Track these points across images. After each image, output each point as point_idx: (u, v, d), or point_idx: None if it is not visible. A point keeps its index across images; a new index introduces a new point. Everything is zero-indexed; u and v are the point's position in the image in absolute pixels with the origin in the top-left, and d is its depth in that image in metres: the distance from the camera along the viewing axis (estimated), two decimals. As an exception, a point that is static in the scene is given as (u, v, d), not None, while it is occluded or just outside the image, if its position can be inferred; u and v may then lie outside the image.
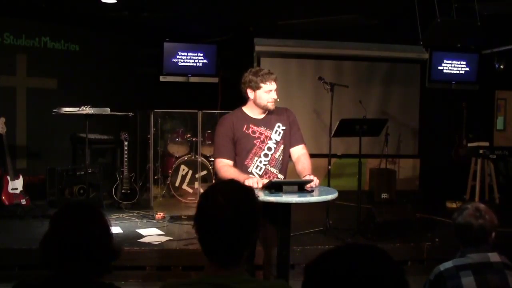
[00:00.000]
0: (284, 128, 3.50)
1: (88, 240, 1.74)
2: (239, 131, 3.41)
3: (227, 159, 3.39)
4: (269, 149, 3.45)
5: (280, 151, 3.48)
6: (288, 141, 3.52)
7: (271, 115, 3.50)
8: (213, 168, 3.47)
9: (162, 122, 7.74)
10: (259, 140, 3.43)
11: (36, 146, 7.03)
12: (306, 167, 3.43)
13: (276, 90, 3.44)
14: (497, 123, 9.15)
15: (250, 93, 3.43)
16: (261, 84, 3.39)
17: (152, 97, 7.85)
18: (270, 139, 3.45)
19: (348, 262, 1.13)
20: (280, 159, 3.49)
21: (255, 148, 3.42)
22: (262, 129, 3.45)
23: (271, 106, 3.43)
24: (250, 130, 3.43)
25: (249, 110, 3.49)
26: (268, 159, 3.44)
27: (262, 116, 3.49)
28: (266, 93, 3.40)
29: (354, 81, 8.20)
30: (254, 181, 3.17)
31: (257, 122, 3.46)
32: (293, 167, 3.57)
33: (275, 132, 3.47)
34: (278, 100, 3.48)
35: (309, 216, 5.70)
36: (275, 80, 3.42)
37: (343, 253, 1.16)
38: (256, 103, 3.44)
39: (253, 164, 3.43)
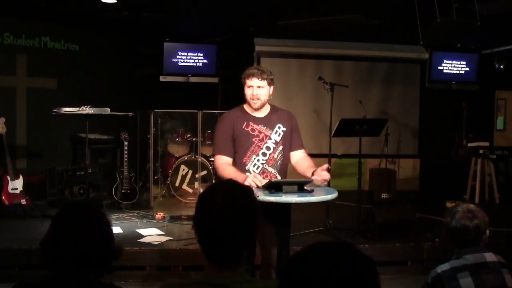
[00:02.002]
0: (284, 129, 3.49)
1: (89, 240, 1.74)
2: (239, 128, 3.42)
3: (227, 156, 3.40)
4: (268, 148, 3.44)
5: (278, 151, 3.47)
6: (288, 143, 3.51)
7: (273, 115, 3.50)
8: (213, 167, 3.50)
9: (162, 122, 7.73)
10: (257, 139, 3.42)
11: (36, 146, 7.03)
12: (311, 165, 3.43)
13: (259, 87, 3.39)
14: (497, 123, 9.15)
15: (244, 90, 3.48)
16: (246, 80, 3.42)
17: (152, 97, 7.85)
18: (270, 138, 3.45)
19: (320, 259, 1.15)
20: (278, 159, 3.48)
21: (253, 146, 3.42)
22: (261, 127, 3.44)
23: (253, 103, 3.42)
24: (249, 128, 3.43)
25: (248, 107, 3.50)
26: (266, 158, 3.43)
27: (264, 114, 3.49)
28: (248, 89, 3.41)
29: (354, 81, 8.20)
30: (255, 179, 3.16)
31: (257, 121, 3.46)
32: (293, 168, 3.58)
33: (275, 133, 3.47)
34: (268, 98, 3.44)
35: (309, 216, 5.69)
36: (257, 76, 3.38)
37: (315, 251, 1.19)
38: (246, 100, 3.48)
39: (250, 162, 3.42)
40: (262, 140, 3.43)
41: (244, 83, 3.43)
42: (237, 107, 3.55)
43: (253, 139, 3.41)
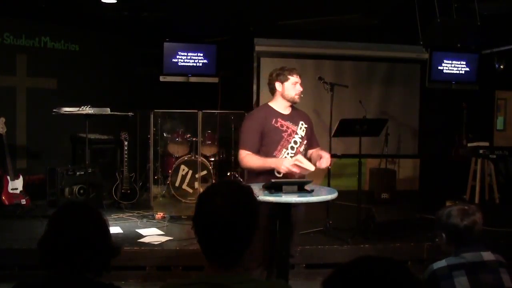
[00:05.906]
0: (306, 126, 3.73)
1: (85, 240, 1.74)
2: (269, 124, 3.60)
3: (251, 151, 3.55)
4: (295, 142, 3.65)
5: (304, 145, 3.69)
6: (309, 140, 3.76)
7: (295, 112, 3.73)
8: (238, 161, 3.69)
9: (162, 122, 7.74)
10: (286, 133, 3.63)
11: (36, 146, 7.02)
12: (316, 150, 3.79)
13: (301, 85, 3.68)
14: (497, 123, 9.15)
15: (278, 86, 3.65)
16: (289, 76, 3.64)
17: (152, 97, 7.85)
18: (296, 133, 3.67)
19: (365, 277, 1.12)
20: (303, 153, 3.67)
21: (283, 140, 3.61)
22: (288, 123, 3.65)
23: (297, 98, 3.67)
24: (278, 124, 3.63)
25: (276, 104, 3.69)
26: (294, 152, 3.62)
27: (288, 112, 3.70)
28: (293, 85, 3.63)
29: (354, 81, 8.20)
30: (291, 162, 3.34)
31: (284, 117, 3.66)
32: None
33: (300, 128, 3.69)
34: (302, 95, 3.72)
35: (309, 216, 5.67)
36: (299, 75, 3.69)
37: (360, 267, 1.15)
38: (283, 96, 3.66)
39: (281, 155, 3.59)
40: (290, 135, 3.64)
41: (285, 80, 3.64)
42: (263, 106, 3.83)
43: (282, 134, 3.62)
